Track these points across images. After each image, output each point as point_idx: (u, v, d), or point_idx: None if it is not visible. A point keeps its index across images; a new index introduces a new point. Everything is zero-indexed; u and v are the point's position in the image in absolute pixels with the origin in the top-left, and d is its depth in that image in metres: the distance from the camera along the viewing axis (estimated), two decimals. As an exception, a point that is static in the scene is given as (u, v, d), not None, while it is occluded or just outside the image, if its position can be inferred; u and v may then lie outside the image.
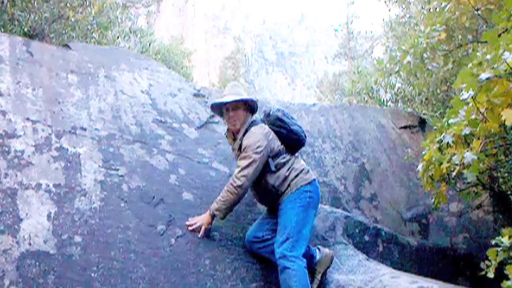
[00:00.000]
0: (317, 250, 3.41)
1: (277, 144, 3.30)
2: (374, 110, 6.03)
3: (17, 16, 6.40)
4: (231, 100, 3.31)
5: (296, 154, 3.43)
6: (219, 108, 3.47)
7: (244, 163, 3.16)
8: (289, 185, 3.24)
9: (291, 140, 3.37)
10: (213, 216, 3.21)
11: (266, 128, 3.32)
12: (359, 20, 23.37)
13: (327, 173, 4.78)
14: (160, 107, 4.08)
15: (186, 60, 17.36)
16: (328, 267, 3.37)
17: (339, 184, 4.80)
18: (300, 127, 3.44)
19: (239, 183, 3.13)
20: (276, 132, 3.34)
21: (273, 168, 3.25)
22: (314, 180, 3.33)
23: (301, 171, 3.29)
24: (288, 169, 3.27)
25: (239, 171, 3.15)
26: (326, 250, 3.42)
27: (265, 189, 3.30)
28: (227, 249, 3.25)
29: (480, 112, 2.59)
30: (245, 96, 3.39)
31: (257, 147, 3.18)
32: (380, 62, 6.19)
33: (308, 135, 4.96)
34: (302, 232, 3.12)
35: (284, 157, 3.30)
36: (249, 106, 3.42)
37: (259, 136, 3.23)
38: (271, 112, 3.43)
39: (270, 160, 3.26)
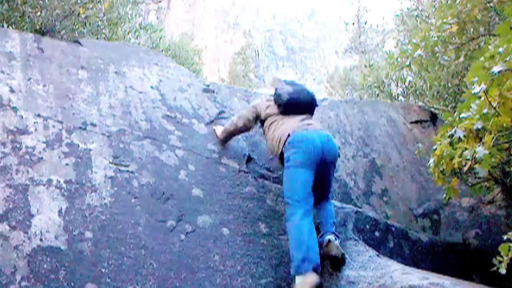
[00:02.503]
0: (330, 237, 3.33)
1: (269, 107, 3.80)
2: (384, 105, 5.99)
3: (28, 13, 6.43)
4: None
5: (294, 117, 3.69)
6: None
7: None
8: (275, 146, 3.58)
9: (277, 101, 3.77)
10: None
11: (268, 97, 3.95)
12: (370, 14, 23.25)
13: (337, 168, 4.75)
14: (169, 102, 4.08)
15: (197, 57, 17.36)
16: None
17: (349, 180, 4.77)
18: (289, 90, 3.76)
19: (232, 118, 3.94)
20: (274, 99, 3.82)
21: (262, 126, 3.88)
22: (296, 133, 3.44)
23: (282, 133, 3.53)
24: (272, 132, 3.66)
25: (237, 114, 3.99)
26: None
27: (269, 150, 3.78)
28: (236, 245, 3.25)
29: (492, 106, 2.55)
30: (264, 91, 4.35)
31: (252, 103, 4.03)
32: (391, 56, 6.13)
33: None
34: (290, 192, 3.30)
35: (273, 118, 3.73)
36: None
37: (258, 99, 4.09)
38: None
39: (261, 123, 3.86)
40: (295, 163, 3.34)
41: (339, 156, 3.63)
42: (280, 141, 3.52)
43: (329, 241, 3.26)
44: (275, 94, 3.81)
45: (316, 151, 3.37)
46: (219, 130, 4.00)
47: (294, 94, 3.73)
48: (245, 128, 3.92)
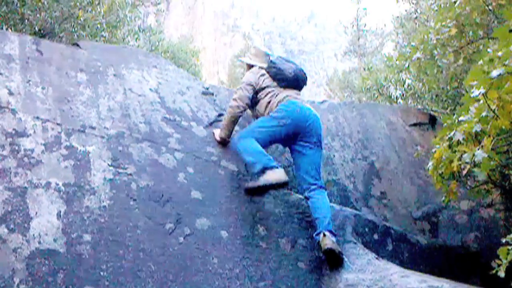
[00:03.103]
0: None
1: (264, 81, 4.01)
2: (383, 108, 5.99)
3: (27, 15, 6.44)
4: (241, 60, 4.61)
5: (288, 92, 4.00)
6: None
7: (236, 90, 4.04)
8: (269, 109, 3.88)
9: (279, 76, 4.02)
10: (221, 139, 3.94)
11: (258, 70, 4.10)
12: (369, 17, 23.27)
13: (336, 171, 4.76)
14: (168, 105, 4.08)
15: (195, 58, 17.38)
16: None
17: (348, 183, 4.77)
18: (291, 67, 4.09)
19: (231, 103, 3.93)
20: (270, 73, 4.05)
21: (255, 97, 4.01)
22: (290, 100, 3.85)
23: (283, 98, 3.87)
24: (270, 97, 3.93)
25: (233, 97, 3.98)
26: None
27: (257, 117, 4.03)
28: (235, 248, 3.25)
29: (491, 109, 2.55)
30: (246, 60, 4.37)
31: (244, 79, 4.06)
32: (390, 59, 6.15)
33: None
34: (250, 127, 3.81)
35: (270, 89, 3.98)
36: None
37: (249, 75, 4.09)
38: (270, 58, 4.21)
39: (255, 94, 4.00)
40: (273, 115, 3.78)
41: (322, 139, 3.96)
42: (275, 103, 3.87)
43: (324, 234, 3.36)
44: (274, 67, 4.06)
45: (294, 119, 3.74)
46: (218, 131, 4.01)
47: (296, 71, 4.08)
48: (246, 108, 4.01)
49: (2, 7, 6.21)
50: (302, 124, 3.75)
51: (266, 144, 3.75)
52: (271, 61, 4.15)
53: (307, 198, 3.69)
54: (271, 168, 3.43)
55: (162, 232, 3.07)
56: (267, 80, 4.03)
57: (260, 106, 3.97)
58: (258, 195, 3.51)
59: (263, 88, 3.99)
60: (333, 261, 3.35)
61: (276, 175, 3.39)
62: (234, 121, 3.93)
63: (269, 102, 3.92)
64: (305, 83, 4.20)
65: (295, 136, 3.77)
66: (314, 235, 3.49)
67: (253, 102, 4.01)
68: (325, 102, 5.67)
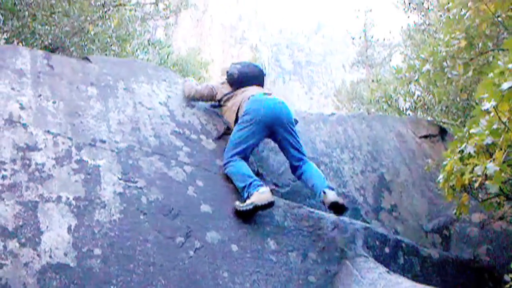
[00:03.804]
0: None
1: (226, 89, 4.28)
2: (393, 119, 5.97)
3: (38, 30, 6.52)
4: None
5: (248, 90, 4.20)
6: None
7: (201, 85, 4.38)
8: (232, 113, 4.12)
9: (232, 78, 4.27)
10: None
11: (221, 83, 4.35)
12: (377, 28, 23.26)
13: (346, 184, 4.74)
14: (178, 118, 4.10)
15: (204, 70, 17.48)
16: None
17: (358, 195, 4.74)
18: (237, 67, 4.30)
19: (186, 93, 4.36)
20: (228, 81, 4.31)
21: (219, 103, 4.34)
22: (250, 98, 4.01)
23: (245, 98, 4.05)
24: (232, 102, 4.16)
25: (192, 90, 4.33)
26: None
27: (226, 122, 4.30)
28: (245, 262, 3.23)
29: (502, 122, 2.54)
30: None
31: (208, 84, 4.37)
32: (399, 71, 6.13)
33: (325, 146, 4.97)
34: (229, 144, 3.88)
35: (230, 94, 4.23)
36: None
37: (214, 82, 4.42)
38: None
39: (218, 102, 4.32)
40: (243, 120, 3.91)
41: (296, 121, 4.22)
42: (239, 106, 4.06)
43: (324, 192, 3.65)
44: (227, 75, 4.31)
45: (269, 114, 3.90)
46: (189, 85, 4.40)
47: (242, 68, 4.29)
48: (207, 98, 4.37)
49: (14, 21, 6.30)
50: (272, 116, 3.94)
51: (251, 149, 3.95)
52: (226, 71, 4.38)
53: (299, 178, 4.01)
54: (258, 188, 3.54)
55: (172, 246, 3.06)
56: (226, 88, 4.30)
57: (227, 113, 4.24)
58: (247, 216, 3.55)
59: (225, 95, 4.26)
60: (339, 211, 3.66)
61: (263, 195, 3.49)
62: (196, 99, 4.39)
63: (231, 106, 4.17)
64: (262, 74, 4.42)
65: (271, 127, 3.96)
66: (316, 198, 3.91)
67: (222, 110, 4.35)
68: (333, 115, 5.66)
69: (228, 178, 3.77)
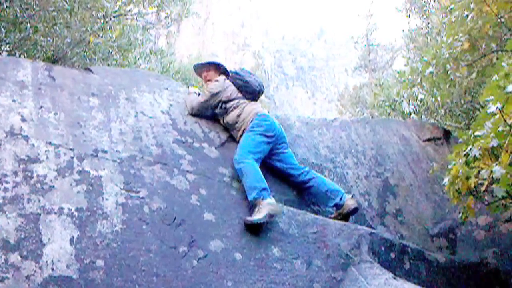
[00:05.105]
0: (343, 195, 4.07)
1: (232, 92, 4.27)
2: (396, 123, 5.94)
3: (40, 42, 6.54)
4: (205, 62, 4.65)
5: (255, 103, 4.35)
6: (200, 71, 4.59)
7: (201, 96, 4.36)
8: (240, 123, 4.16)
9: (246, 88, 4.31)
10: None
11: (225, 81, 4.32)
12: (379, 32, 23.22)
13: (350, 189, 4.70)
14: (180, 127, 4.08)
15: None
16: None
17: (363, 200, 4.70)
18: (256, 80, 4.40)
19: (188, 108, 4.34)
20: (235, 84, 4.32)
21: (220, 111, 4.29)
22: (263, 113, 4.16)
23: (250, 112, 4.16)
24: (239, 111, 4.19)
25: (193, 103, 4.32)
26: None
27: (225, 126, 4.33)
28: (249, 270, 3.19)
29: (508, 124, 2.50)
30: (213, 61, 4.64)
31: (210, 89, 4.25)
32: (402, 74, 6.10)
33: (329, 151, 4.93)
34: (246, 147, 3.93)
35: (238, 102, 4.24)
36: (221, 70, 4.51)
37: (215, 83, 4.29)
38: (233, 69, 4.53)
39: (222, 103, 4.26)
40: (259, 131, 4.02)
41: None
42: (249, 117, 4.14)
43: (345, 197, 4.02)
44: (240, 80, 4.33)
45: (276, 131, 4.11)
46: (191, 97, 4.43)
47: (261, 85, 4.42)
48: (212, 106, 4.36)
49: (16, 34, 6.31)
50: (279, 134, 4.17)
51: (262, 158, 4.04)
52: (236, 72, 4.43)
53: (305, 185, 4.15)
54: (267, 199, 3.56)
55: (175, 255, 3.03)
56: (234, 92, 4.29)
57: (230, 117, 4.23)
58: (260, 227, 3.50)
59: (232, 100, 4.26)
60: (353, 214, 4.06)
61: (273, 207, 3.52)
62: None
63: (239, 115, 4.19)
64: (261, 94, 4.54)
65: (276, 142, 4.16)
66: (335, 202, 4.04)
67: (221, 111, 4.29)
68: (336, 119, 5.63)
69: (231, 186, 3.74)
